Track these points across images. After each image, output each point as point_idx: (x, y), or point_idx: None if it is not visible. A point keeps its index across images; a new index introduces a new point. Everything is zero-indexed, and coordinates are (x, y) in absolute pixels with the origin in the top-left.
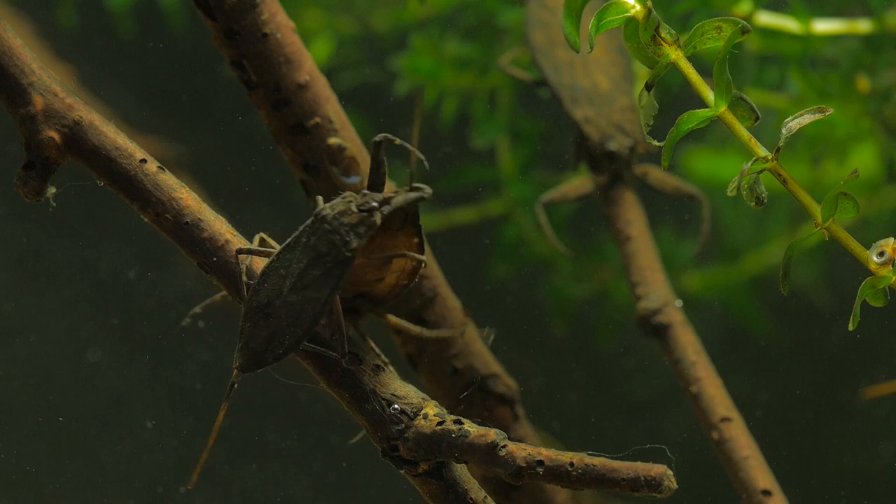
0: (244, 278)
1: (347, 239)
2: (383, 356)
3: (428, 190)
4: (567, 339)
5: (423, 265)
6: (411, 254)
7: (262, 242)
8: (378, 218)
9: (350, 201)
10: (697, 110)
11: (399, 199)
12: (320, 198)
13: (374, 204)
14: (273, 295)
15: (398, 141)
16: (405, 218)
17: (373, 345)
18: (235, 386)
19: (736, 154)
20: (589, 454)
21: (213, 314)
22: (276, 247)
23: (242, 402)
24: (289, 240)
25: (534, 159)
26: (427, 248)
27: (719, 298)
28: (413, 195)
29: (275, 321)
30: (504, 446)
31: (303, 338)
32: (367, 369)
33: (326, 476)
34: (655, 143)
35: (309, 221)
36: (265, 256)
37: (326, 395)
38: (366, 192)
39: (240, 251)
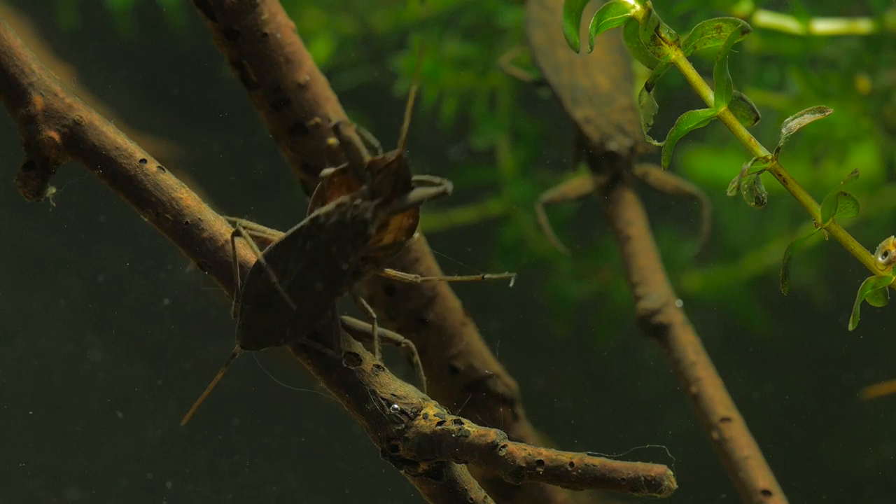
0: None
1: (345, 251)
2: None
3: (448, 185)
4: (567, 339)
5: (417, 230)
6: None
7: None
8: (373, 229)
9: (345, 211)
10: (697, 110)
11: (412, 197)
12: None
13: (368, 216)
14: (272, 288)
15: (354, 126)
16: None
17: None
18: (236, 356)
19: (736, 154)
20: (589, 454)
21: (211, 314)
22: (267, 232)
23: (243, 398)
24: (286, 235)
25: (534, 159)
26: (427, 248)
27: (719, 298)
28: (426, 192)
29: (275, 312)
30: (504, 446)
31: (300, 335)
32: (366, 369)
33: (327, 471)
34: (655, 143)
35: (306, 222)
36: (262, 241)
37: (327, 394)
38: (358, 201)
39: (236, 234)
